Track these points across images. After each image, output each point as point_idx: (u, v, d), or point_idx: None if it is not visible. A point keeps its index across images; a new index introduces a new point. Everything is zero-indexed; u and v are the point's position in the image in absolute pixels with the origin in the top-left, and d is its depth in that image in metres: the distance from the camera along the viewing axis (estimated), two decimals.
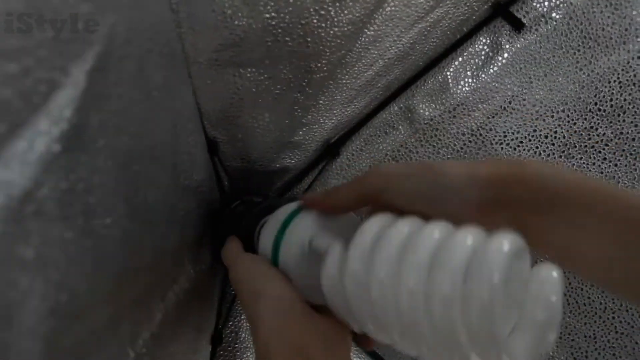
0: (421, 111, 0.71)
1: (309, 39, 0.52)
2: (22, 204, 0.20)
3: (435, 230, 0.34)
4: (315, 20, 0.51)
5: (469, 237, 0.32)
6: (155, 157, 0.40)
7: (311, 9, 0.50)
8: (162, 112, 0.44)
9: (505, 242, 0.31)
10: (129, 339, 0.34)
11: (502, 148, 0.69)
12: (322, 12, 0.50)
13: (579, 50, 0.65)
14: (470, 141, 0.70)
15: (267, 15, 0.49)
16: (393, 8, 0.56)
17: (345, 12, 0.52)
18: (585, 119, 0.66)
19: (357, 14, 0.53)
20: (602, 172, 0.65)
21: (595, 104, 0.65)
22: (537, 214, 0.34)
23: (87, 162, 0.25)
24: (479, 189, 0.35)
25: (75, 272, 0.25)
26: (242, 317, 0.78)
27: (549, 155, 0.67)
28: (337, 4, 0.50)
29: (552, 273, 0.31)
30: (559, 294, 0.30)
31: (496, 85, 0.68)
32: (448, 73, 0.69)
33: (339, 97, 0.65)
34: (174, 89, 0.49)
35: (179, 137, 0.49)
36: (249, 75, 0.55)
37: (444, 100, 0.70)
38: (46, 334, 0.23)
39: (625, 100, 0.64)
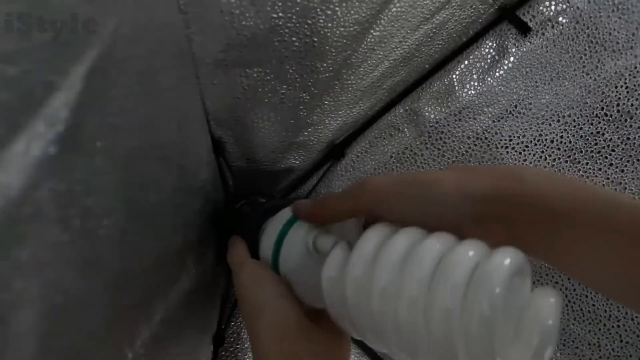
0: (427, 114, 0.71)
1: (315, 39, 0.53)
2: (18, 207, 0.20)
3: (437, 243, 0.35)
4: (322, 20, 0.51)
5: (471, 250, 0.33)
6: (160, 157, 0.40)
7: (318, 9, 0.50)
8: (169, 113, 0.44)
9: (508, 257, 0.32)
10: (127, 339, 0.35)
11: (507, 152, 0.68)
12: (329, 12, 0.50)
13: (585, 55, 0.65)
14: (475, 145, 0.70)
15: (275, 15, 0.49)
16: (399, 9, 0.56)
17: (352, 12, 0.52)
18: (592, 124, 0.65)
19: (363, 14, 0.53)
20: (608, 178, 0.65)
21: (602, 108, 0.65)
22: (538, 228, 0.34)
23: (85, 164, 0.25)
24: (474, 205, 0.35)
25: (70, 273, 0.25)
26: None
27: (554, 159, 0.67)
28: (344, 4, 0.50)
29: (549, 299, 0.31)
30: (556, 318, 0.30)
31: (502, 88, 0.68)
32: (454, 76, 0.69)
33: (344, 97, 0.65)
34: (181, 89, 0.49)
35: (185, 137, 0.49)
36: (255, 75, 0.55)
37: (449, 103, 0.70)
38: (41, 335, 0.23)
39: (632, 105, 0.63)
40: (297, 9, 0.49)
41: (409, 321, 0.33)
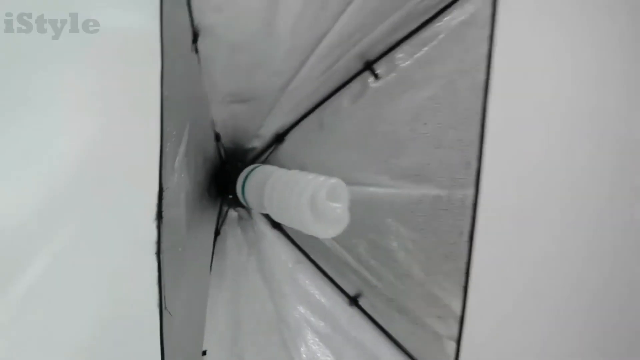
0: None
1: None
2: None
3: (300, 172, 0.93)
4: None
5: (311, 174, 0.88)
6: (200, 151, 0.99)
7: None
8: (202, 129, 1.03)
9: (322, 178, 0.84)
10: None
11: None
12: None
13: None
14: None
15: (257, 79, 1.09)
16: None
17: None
18: None
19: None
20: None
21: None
22: None
23: (190, 163, 0.85)
24: None
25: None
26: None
27: None
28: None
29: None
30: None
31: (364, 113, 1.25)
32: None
33: (284, 108, 1.22)
34: (206, 117, 1.07)
35: (205, 137, 1.08)
36: (241, 106, 1.12)
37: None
38: None
39: None
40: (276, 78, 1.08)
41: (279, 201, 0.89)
